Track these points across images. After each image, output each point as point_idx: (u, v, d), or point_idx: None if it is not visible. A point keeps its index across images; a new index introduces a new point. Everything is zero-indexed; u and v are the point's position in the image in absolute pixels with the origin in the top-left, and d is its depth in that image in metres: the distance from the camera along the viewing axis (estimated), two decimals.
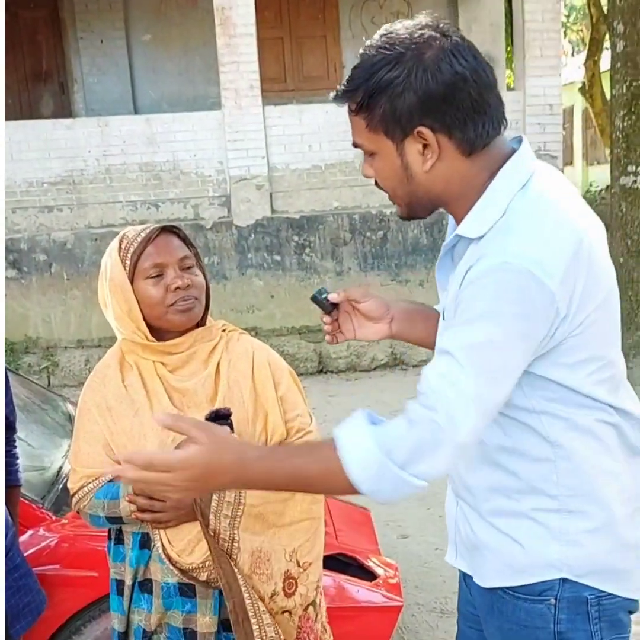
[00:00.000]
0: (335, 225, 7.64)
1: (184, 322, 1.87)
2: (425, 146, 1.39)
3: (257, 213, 7.57)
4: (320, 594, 2.00)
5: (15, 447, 2.22)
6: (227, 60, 7.44)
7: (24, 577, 2.06)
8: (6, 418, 2.14)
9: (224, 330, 1.99)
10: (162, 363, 1.90)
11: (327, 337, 1.78)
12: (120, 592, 1.94)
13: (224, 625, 1.88)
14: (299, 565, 1.92)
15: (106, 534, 2.33)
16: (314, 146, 7.66)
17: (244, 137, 7.50)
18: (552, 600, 1.49)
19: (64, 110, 9.34)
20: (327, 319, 1.75)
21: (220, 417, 1.75)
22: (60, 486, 2.58)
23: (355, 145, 1.49)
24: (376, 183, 1.53)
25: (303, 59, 9.66)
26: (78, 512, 1.94)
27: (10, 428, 2.18)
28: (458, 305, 1.37)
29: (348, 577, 2.67)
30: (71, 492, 1.91)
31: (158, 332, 1.89)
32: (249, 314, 7.50)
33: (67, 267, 7.54)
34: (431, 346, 1.82)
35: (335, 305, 1.73)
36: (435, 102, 1.35)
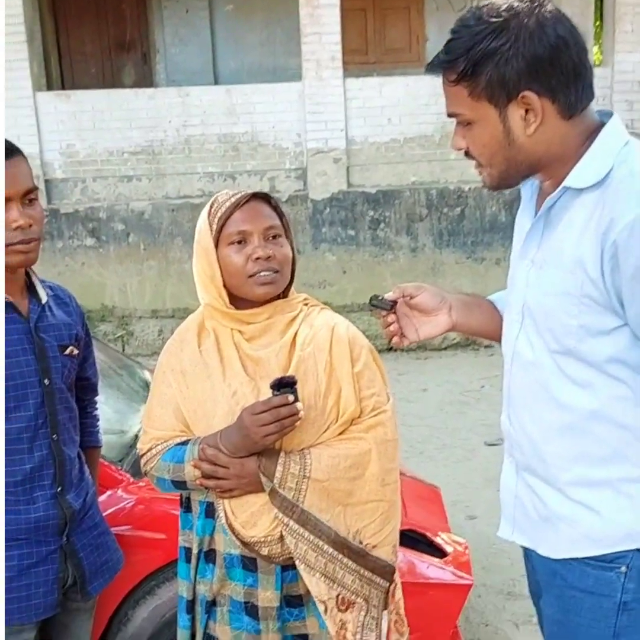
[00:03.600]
0: (412, 201, 7.56)
1: (261, 294, 1.86)
2: (527, 111, 1.44)
3: (333, 187, 7.54)
4: (395, 583, 1.94)
5: (96, 409, 2.25)
6: (309, 31, 7.39)
7: (102, 535, 2.10)
8: (88, 379, 2.18)
9: (305, 304, 1.97)
10: (239, 331, 1.90)
11: (394, 340, 1.79)
12: (188, 560, 1.95)
13: (287, 600, 1.87)
14: (360, 546, 1.86)
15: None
16: (394, 119, 7.57)
17: (324, 110, 7.47)
18: (623, 569, 1.50)
19: (146, 80, 9.44)
20: (391, 317, 1.76)
21: (284, 385, 1.74)
22: (137, 450, 2.62)
23: (451, 115, 1.52)
24: (466, 153, 1.55)
25: (385, 31, 9.52)
26: (145, 474, 1.96)
27: (92, 390, 2.21)
28: (615, 257, 1.39)
29: (418, 553, 2.65)
30: (140, 453, 1.94)
31: (238, 300, 1.88)
32: (320, 289, 7.49)
33: (144, 237, 7.65)
34: (489, 336, 1.84)
35: (393, 305, 1.75)
36: (542, 66, 1.41)
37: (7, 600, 1.88)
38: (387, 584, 1.89)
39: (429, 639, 2.47)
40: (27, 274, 2.00)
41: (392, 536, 1.91)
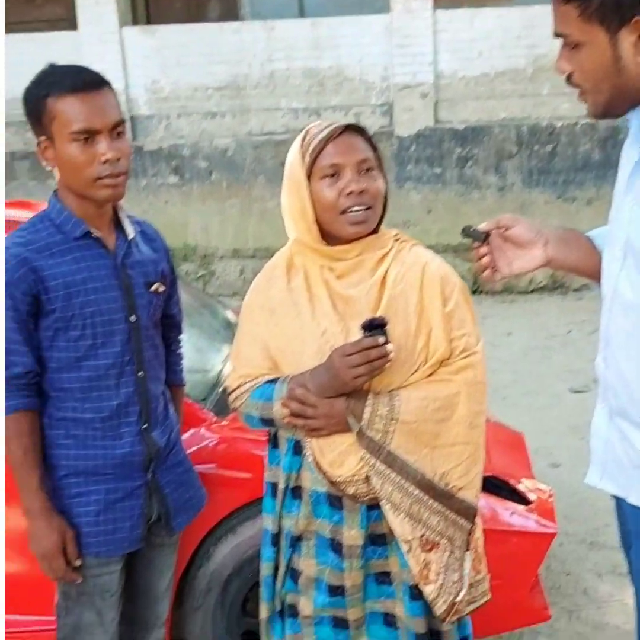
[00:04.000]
0: (501, 137, 7.31)
1: (353, 233, 1.82)
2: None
3: (420, 123, 7.35)
4: (475, 524, 1.91)
5: (180, 347, 2.25)
6: None
7: (186, 472, 2.12)
8: (173, 317, 2.17)
9: (396, 240, 1.91)
10: (329, 268, 1.86)
11: (485, 273, 1.73)
12: (274, 495, 1.97)
13: (372, 539, 1.88)
14: (446, 488, 1.84)
15: (265, 437, 2.39)
16: (485, 53, 7.30)
17: (412, 43, 7.24)
18: None
19: (231, 13, 9.29)
20: (484, 249, 1.70)
21: (375, 326, 1.71)
22: (221, 389, 2.62)
23: (557, 35, 1.45)
24: (568, 79, 1.49)
25: None
26: (234, 411, 1.97)
27: (176, 328, 2.21)
28: None
29: (501, 500, 2.60)
30: (229, 391, 1.95)
31: (329, 236, 1.85)
32: (404, 228, 7.21)
33: (226, 175, 7.63)
34: (586, 274, 1.75)
35: (487, 236, 1.69)
36: None
37: (94, 534, 1.92)
38: (470, 526, 1.87)
39: (510, 586, 2.43)
40: (114, 210, 1.99)
41: (478, 479, 1.89)
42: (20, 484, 1.87)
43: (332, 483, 1.83)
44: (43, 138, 1.85)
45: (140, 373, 1.96)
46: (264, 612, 2.05)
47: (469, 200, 7.41)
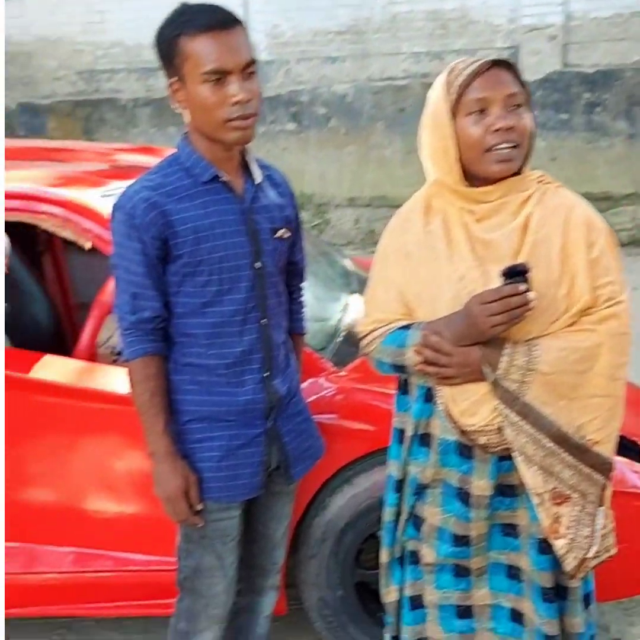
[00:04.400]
0: (634, 82, 6.92)
1: (497, 172, 1.75)
2: None
3: (547, 66, 7.03)
4: (610, 480, 1.84)
5: (302, 295, 2.21)
6: None
7: (305, 421, 2.10)
8: (296, 264, 2.14)
9: (540, 182, 1.83)
10: (469, 211, 1.80)
11: None
12: (400, 441, 1.95)
13: (501, 490, 1.84)
14: (582, 441, 1.78)
15: (384, 389, 2.36)
16: None
17: None
18: None
19: None
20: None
21: (516, 273, 1.64)
22: (340, 339, 2.59)
23: None
24: None
25: None
26: (366, 356, 1.94)
27: (299, 275, 2.17)
28: None
29: (629, 461, 2.49)
30: (361, 335, 1.92)
31: (470, 177, 1.78)
32: None
33: (345, 121, 7.53)
34: None
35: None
36: None
37: (216, 479, 1.94)
38: (605, 481, 1.81)
39: (635, 551, 2.33)
40: (242, 153, 1.95)
41: (615, 434, 1.82)
42: (146, 428, 1.89)
43: (463, 432, 1.80)
44: (174, 79, 1.83)
45: (263, 320, 1.94)
46: (384, 557, 2.05)
47: (597, 148, 7.07)
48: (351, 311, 2.78)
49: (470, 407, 1.78)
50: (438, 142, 1.77)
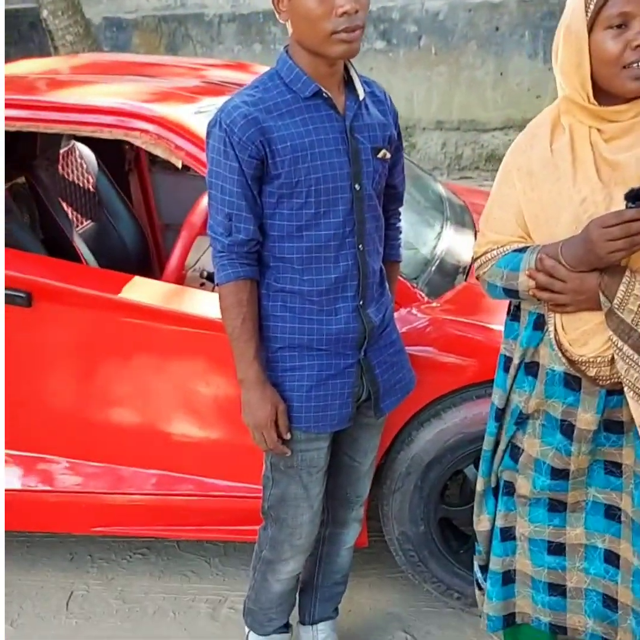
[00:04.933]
0: None
1: (634, 89, 1.63)
2: None
3: None
4: None
5: (399, 220, 2.10)
6: None
7: (398, 353, 2.03)
8: (395, 188, 2.03)
9: None
10: (598, 130, 1.69)
11: None
12: (506, 369, 1.88)
13: (607, 425, 1.77)
14: None
15: (481, 320, 2.26)
16: None
17: None
18: None
19: None
20: None
21: None
22: (434, 268, 2.48)
23: None
24: None
25: None
26: (477, 278, 1.87)
27: (398, 199, 2.06)
28: None
29: None
30: (474, 256, 1.86)
31: (602, 96, 1.67)
32: None
33: (436, 40, 7.22)
34: None
35: None
36: None
37: (305, 409, 1.89)
38: None
39: None
40: (345, 68, 1.84)
41: None
42: (237, 354, 1.84)
43: (572, 362, 1.73)
44: None
45: (360, 246, 1.85)
46: (480, 485, 2.01)
47: None
48: (445, 240, 2.67)
49: (581, 336, 1.72)
50: (572, 56, 1.66)
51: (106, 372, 2.44)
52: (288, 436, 1.89)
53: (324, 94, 1.78)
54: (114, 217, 3.37)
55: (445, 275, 2.49)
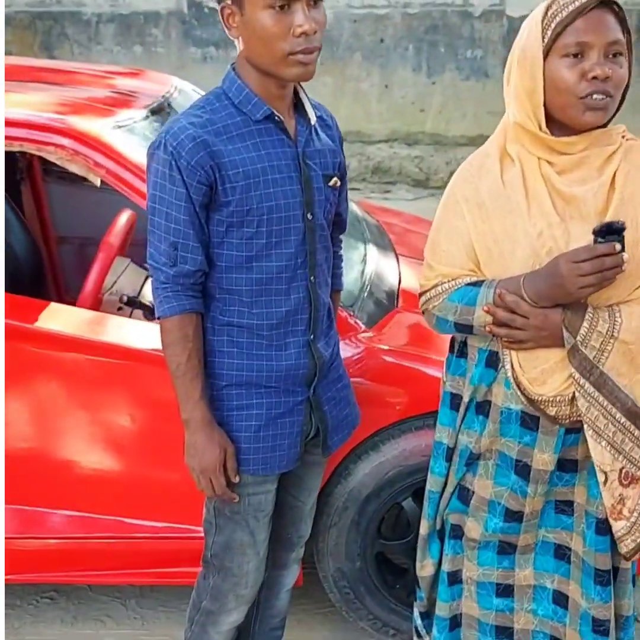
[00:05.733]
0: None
1: (588, 121, 1.60)
2: None
3: (534, 2, 6.64)
4: None
5: (341, 247, 2.02)
6: None
7: (345, 388, 1.94)
8: (340, 215, 1.93)
9: (623, 137, 1.70)
10: (548, 162, 1.66)
11: None
12: (454, 407, 1.83)
13: (561, 464, 1.74)
14: None
15: (421, 349, 2.20)
16: None
17: None
18: None
19: None
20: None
21: (613, 231, 1.51)
22: (365, 294, 2.39)
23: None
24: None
25: None
26: (423, 313, 1.80)
27: (342, 227, 1.96)
28: None
29: None
30: (421, 290, 1.78)
31: (554, 125, 1.64)
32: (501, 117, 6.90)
33: (322, 50, 7.18)
34: None
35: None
36: None
37: (254, 450, 1.77)
38: None
39: None
40: (295, 90, 1.74)
41: None
42: (181, 393, 1.70)
43: (532, 402, 1.68)
44: (228, 2, 1.59)
45: (311, 278, 1.75)
46: (423, 529, 1.95)
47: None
48: (371, 263, 2.59)
49: (540, 375, 1.68)
50: (525, 81, 1.63)
51: (14, 405, 2.22)
52: (237, 480, 1.76)
53: (275, 117, 1.67)
54: (6, 230, 3.11)
55: (377, 301, 2.41)
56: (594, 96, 1.57)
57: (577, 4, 1.56)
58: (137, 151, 2.20)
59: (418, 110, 7.20)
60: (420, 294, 1.79)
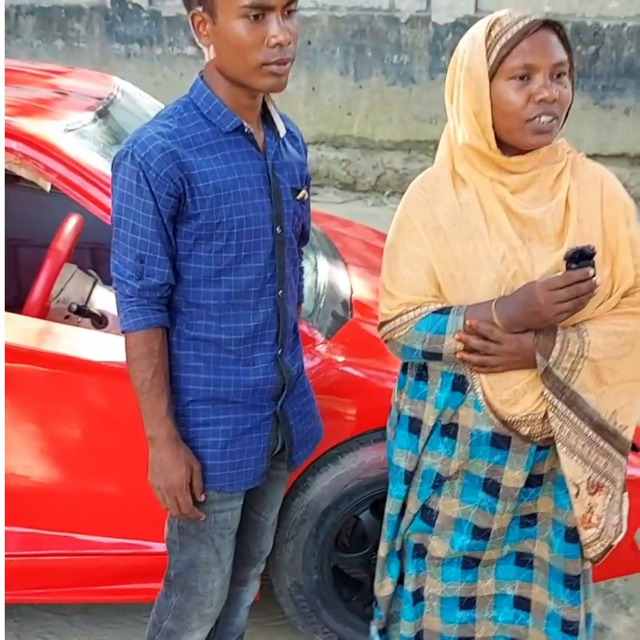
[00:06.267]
0: None
1: (536, 143, 1.62)
2: None
3: (459, 10, 6.85)
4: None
5: (302, 259, 1.99)
6: None
7: (310, 402, 1.91)
8: (304, 227, 1.89)
9: (567, 152, 1.72)
10: (500, 182, 1.65)
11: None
12: (413, 431, 1.81)
13: (527, 480, 1.76)
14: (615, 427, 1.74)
15: (379, 361, 2.18)
16: None
17: None
18: None
19: None
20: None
21: (585, 257, 1.52)
22: (322, 305, 2.36)
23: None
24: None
25: None
26: (386, 342, 1.77)
27: (305, 239, 1.93)
28: None
29: None
30: (383, 319, 1.74)
31: (501, 145, 1.64)
32: (431, 124, 6.97)
33: None
34: None
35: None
36: None
37: (220, 467, 1.73)
38: (625, 464, 1.78)
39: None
40: (264, 102, 1.70)
41: (636, 417, 1.78)
42: (146, 409, 1.65)
43: (504, 422, 1.69)
44: (199, 9, 1.54)
45: (280, 292, 1.72)
46: (382, 550, 1.95)
47: None
48: (323, 273, 2.57)
49: (512, 396, 1.68)
50: (473, 102, 1.62)
51: None
52: (202, 498, 1.72)
53: (245, 129, 1.64)
54: None
55: (334, 312, 2.39)
56: (542, 118, 1.58)
57: (521, 25, 1.57)
58: (87, 155, 2.12)
59: (345, 113, 7.22)
60: (383, 323, 1.75)
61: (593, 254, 1.54)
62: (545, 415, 1.67)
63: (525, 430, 1.69)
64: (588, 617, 1.94)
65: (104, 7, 7.15)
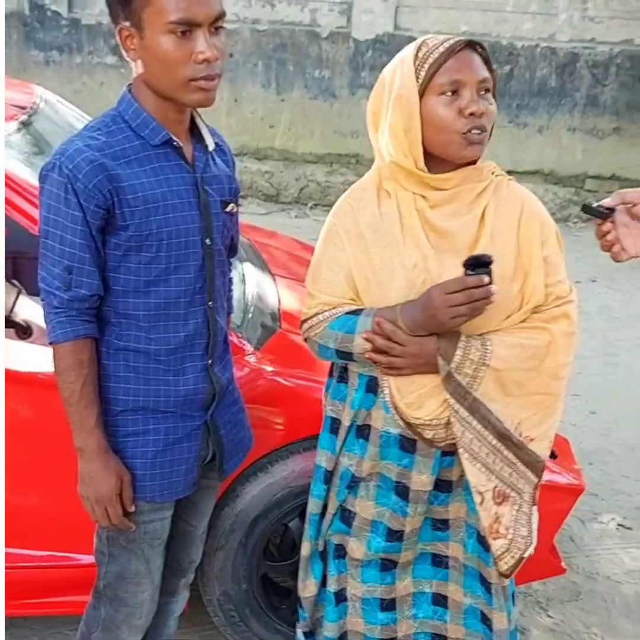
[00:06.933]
0: None
1: (469, 155, 1.69)
2: None
3: (379, 27, 7.00)
4: (541, 479, 1.86)
5: (231, 270, 2.01)
6: None
7: (240, 411, 1.93)
8: (232, 239, 1.91)
9: (492, 173, 1.79)
10: (422, 197, 1.72)
11: (614, 248, 1.63)
12: (333, 431, 1.87)
13: (437, 485, 1.82)
14: (520, 438, 1.79)
15: (308, 371, 2.22)
16: None
17: None
18: None
19: None
20: (607, 226, 1.61)
21: (481, 264, 1.60)
22: (251, 315, 2.39)
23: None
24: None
25: None
26: (306, 340, 1.84)
27: (234, 251, 1.95)
28: None
29: None
30: (303, 317, 1.81)
31: (430, 161, 1.71)
32: (352, 139, 7.09)
33: None
34: None
35: (611, 212, 1.61)
36: None
37: (150, 477, 1.74)
38: (537, 480, 1.83)
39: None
40: (191, 116, 1.72)
41: (551, 432, 1.84)
42: (75, 420, 1.65)
43: (409, 425, 1.75)
44: (127, 24, 1.56)
45: (210, 302, 1.74)
46: (305, 550, 1.98)
47: None
48: (250, 283, 2.59)
49: (416, 400, 1.75)
50: (403, 120, 1.68)
51: None
52: (133, 509, 1.72)
53: (174, 143, 1.65)
54: None
55: (262, 323, 2.42)
56: (473, 131, 1.65)
57: (446, 45, 1.65)
58: (11, 165, 2.10)
59: (267, 126, 7.27)
60: (303, 322, 1.82)
61: (490, 262, 1.60)
62: (449, 421, 1.73)
63: (428, 434, 1.75)
64: (513, 632, 1.96)
65: (22, 13, 7.03)
